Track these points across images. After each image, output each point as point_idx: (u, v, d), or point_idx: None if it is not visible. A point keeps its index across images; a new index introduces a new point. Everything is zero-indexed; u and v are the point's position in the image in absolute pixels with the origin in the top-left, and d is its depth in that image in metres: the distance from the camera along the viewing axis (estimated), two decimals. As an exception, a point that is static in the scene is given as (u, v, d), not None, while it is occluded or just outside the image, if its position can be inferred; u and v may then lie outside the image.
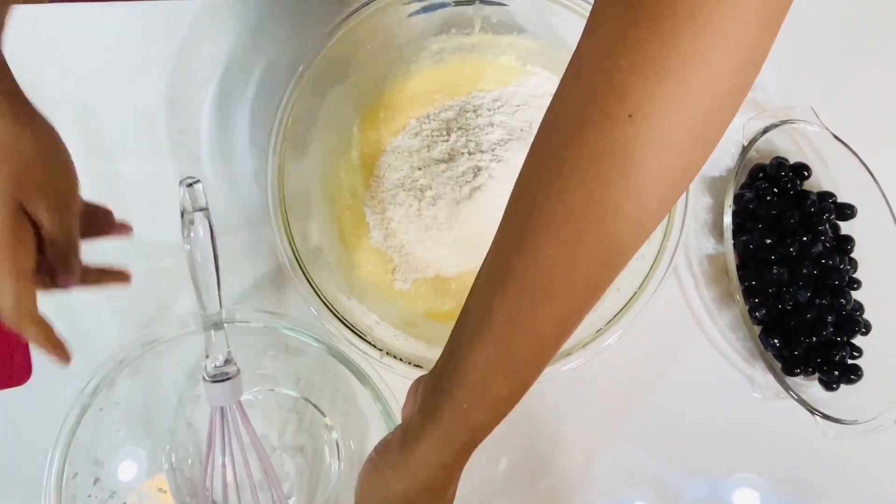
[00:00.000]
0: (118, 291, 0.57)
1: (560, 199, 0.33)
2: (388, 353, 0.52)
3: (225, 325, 0.48)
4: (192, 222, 0.45)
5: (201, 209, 0.45)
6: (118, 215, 0.59)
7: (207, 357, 0.48)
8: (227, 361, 0.49)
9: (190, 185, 0.45)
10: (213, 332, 0.48)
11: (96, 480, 0.52)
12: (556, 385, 0.59)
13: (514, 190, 0.36)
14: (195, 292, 0.47)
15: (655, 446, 0.61)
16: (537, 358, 0.37)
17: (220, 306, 0.47)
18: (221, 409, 0.48)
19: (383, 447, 0.43)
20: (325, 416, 0.58)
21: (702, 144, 0.33)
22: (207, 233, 0.45)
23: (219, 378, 0.48)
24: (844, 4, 0.70)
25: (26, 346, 0.58)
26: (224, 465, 0.49)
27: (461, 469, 0.41)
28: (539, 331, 0.36)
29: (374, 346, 0.52)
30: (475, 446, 0.40)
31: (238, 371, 0.49)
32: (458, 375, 0.38)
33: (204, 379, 0.48)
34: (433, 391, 0.39)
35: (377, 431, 0.52)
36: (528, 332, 0.36)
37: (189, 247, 0.45)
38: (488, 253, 0.37)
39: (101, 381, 0.50)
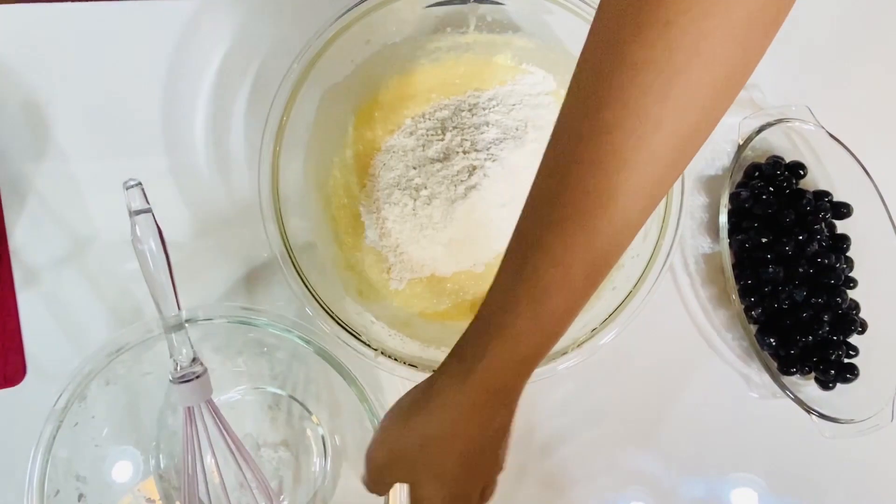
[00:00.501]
0: (105, 293, 0.58)
1: (561, 206, 0.35)
2: (382, 353, 0.52)
3: (187, 325, 0.48)
4: (136, 225, 0.45)
5: (144, 211, 0.45)
6: (120, 214, 0.58)
7: (172, 359, 0.48)
8: (194, 361, 0.48)
9: (129, 187, 0.45)
10: (173, 334, 0.47)
11: (81, 496, 0.51)
12: (552, 384, 0.59)
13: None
14: (151, 296, 0.46)
15: (651, 445, 0.61)
16: (569, 314, 0.38)
17: (179, 308, 0.47)
18: (191, 408, 0.48)
19: (412, 389, 0.43)
20: (310, 413, 0.58)
21: (682, 154, 0.35)
22: (155, 235, 0.45)
23: (185, 378, 0.48)
24: (841, 4, 0.70)
25: (21, 347, 0.57)
26: (199, 465, 0.48)
27: (483, 417, 0.40)
28: (568, 282, 0.36)
29: (369, 345, 0.52)
30: (495, 397, 0.39)
31: (205, 370, 0.49)
32: (487, 313, 0.39)
33: (171, 381, 0.48)
34: (465, 334, 0.40)
35: (363, 426, 0.52)
36: (556, 285, 0.36)
37: (136, 249, 0.45)
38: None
39: (71, 396, 0.49)
